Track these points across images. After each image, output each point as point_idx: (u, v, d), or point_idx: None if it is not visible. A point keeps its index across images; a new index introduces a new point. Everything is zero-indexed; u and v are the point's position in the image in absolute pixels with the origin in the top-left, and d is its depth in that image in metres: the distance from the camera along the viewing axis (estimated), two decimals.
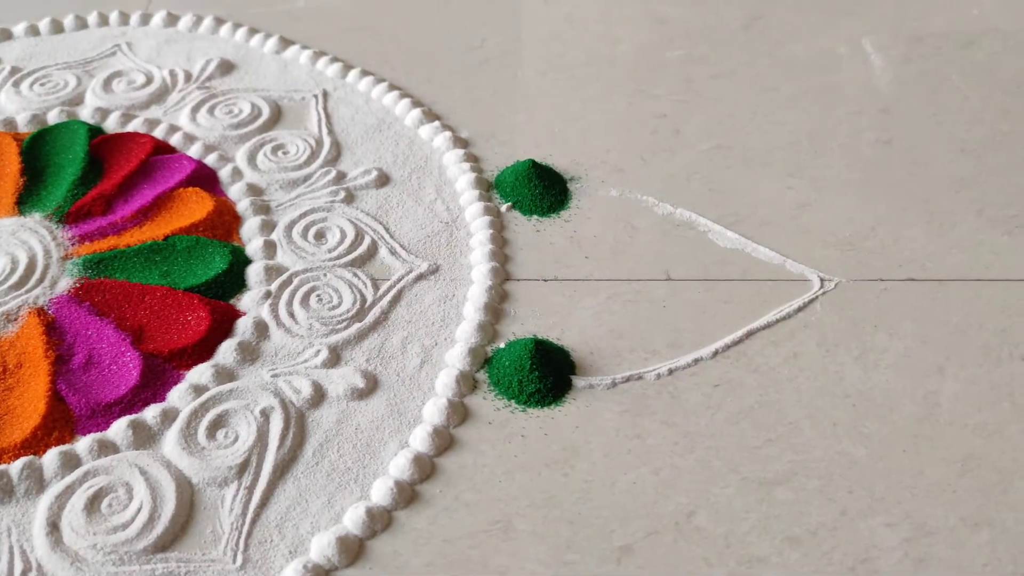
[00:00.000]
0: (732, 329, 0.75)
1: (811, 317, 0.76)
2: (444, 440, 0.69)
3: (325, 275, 0.81)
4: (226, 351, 0.75)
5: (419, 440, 0.69)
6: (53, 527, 0.64)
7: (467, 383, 0.72)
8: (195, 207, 0.86)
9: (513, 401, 0.71)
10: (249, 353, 0.75)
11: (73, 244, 0.84)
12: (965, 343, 0.74)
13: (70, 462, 0.67)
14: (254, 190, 0.89)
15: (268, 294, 0.79)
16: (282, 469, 0.68)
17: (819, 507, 0.64)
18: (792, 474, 0.66)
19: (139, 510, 0.64)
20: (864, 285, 0.79)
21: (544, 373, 0.71)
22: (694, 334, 0.75)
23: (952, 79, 1.01)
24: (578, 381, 0.72)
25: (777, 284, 0.79)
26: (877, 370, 0.72)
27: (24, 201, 0.88)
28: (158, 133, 0.96)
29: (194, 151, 0.93)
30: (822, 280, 0.79)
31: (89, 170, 0.90)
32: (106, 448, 0.68)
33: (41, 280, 0.80)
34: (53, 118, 0.98)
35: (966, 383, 0.71)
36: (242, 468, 0.67)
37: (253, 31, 1.10)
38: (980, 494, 0.64)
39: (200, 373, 0.73)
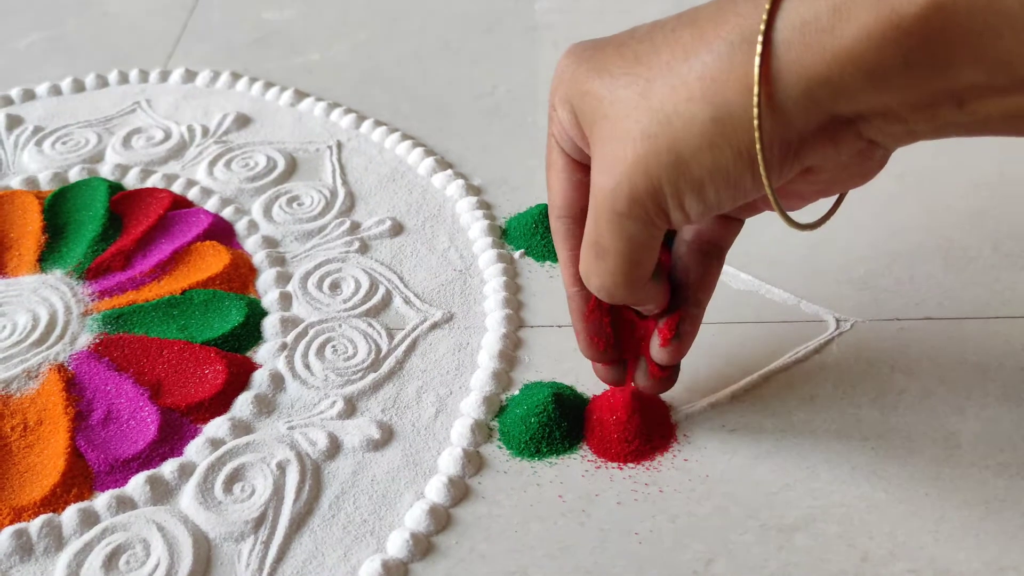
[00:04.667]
0: (747, 372, 0.75)
1: (827, 359, 0.76)
2: (460, 490, 0.69)
3: (340, 326, 0.81)
4: (243, 404, 0.75)
5: (435, 491, 0.69)
6: None
7: (482, 432, 0.72)
8: (212, 260, 0.88)
9: (526, 450, 0.71)
10: (265, 406, 0.76)
11: (93, 300, 0.85)
12: (985, 382, 0.73)
13: (89, 519, 0.68)
14: (270, 242, 0.91)
15: (284, 346, 0.80)
16: (298, 522, 0.68)
17: (839, 553, 0.63)
18: (811, 520, 0.65)
19: (156, 567, 0.65)
20: (880, 325, 0.78)
21: (558, 421, 0.71)
22: (709, 378, 0.75)
23: None
24: None
25: (792, 325, 0.79)
26: (895, 411, 0.71)
27: (45, 259, 0.89)
28: (176, 188, 0.98)
29: (211, 205, 0.95)
30: (838, 321, 0.78)
31: (109, 226, 0.92)
32: (124, 504, 0.69)
33: (62, 336, 0.81)
34: (74, 176, 1.00)
35: (987, 423, 0.70)
36: (258, 522, 0.67)
37: (269, 85, 1.12)
38: (1004, 537, 0.63)
39: (217, 427, 0.74)
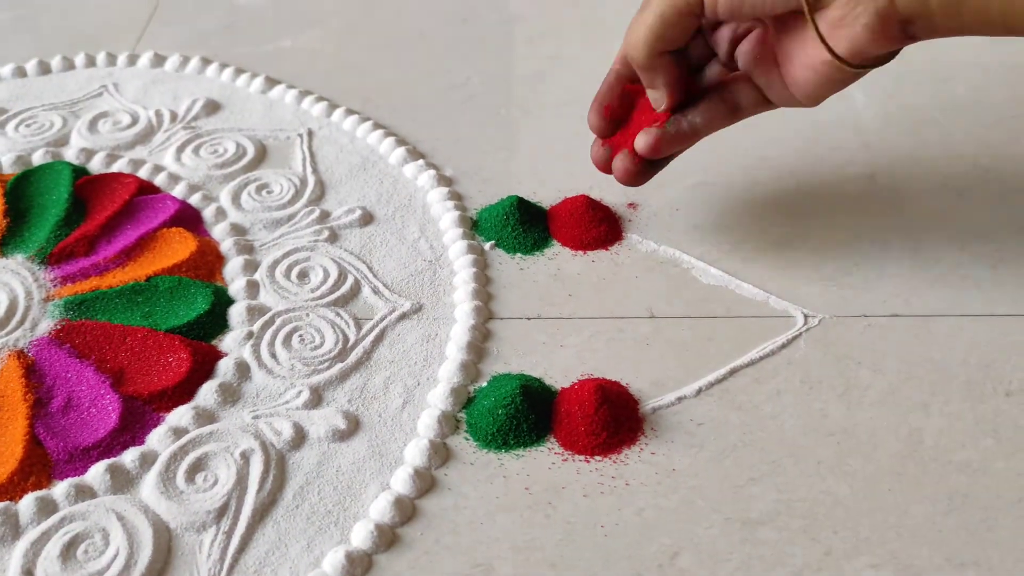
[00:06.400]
0: (716, 367, 0.75)
1: (795, 354, 0.76)
2: (425, 482, 0.68)
3: (307, 315, 0.81)
4: (207, 393, 0.74)
5: (400, 482, 0.68)
6: (28, 575, 0.63)
7: (449, 423, 0.72)
8: (178, 247, 0.86)
9: (493, 442, 0.70)
10: (230, 395, 0.75)
11: (55, 285, 0.83)
12: (949, 379, 0.73)
13: (46, 508, 0.66)
14: (238, 230, 0.89)
15: (250, 334, 0.79)
16: (261, 513, 0.67)
17: (803, 547, 0.63)
18: (776, 514, 0.65)
19: (115, 556, 0.64)
20: (847, 321, 0.78)
21: (526, 413, 0.70)
22: (677, 372, 0.75)
23: (933, 114, 1.02)
24: None
25: (761, 321, 0.79)
26: (861, 407, 0.72)
27: (7, 243, 0.87)
28: (143, 173, 0.96)
29: (178, 191, 0.94)
30: (806, 316, 0.79)
31: (73, 211, 0.90)
32: (83, 493, 0.68)
33: (22, 322, 0.80)
34: (38, 159, 0.98)
35: (950, 419, 0.71)
36: (221, 512, 0.66)
37: (239, 71, 1.10)
38: (966, 532, 0.64)
39: (180, 415, 0.73)
